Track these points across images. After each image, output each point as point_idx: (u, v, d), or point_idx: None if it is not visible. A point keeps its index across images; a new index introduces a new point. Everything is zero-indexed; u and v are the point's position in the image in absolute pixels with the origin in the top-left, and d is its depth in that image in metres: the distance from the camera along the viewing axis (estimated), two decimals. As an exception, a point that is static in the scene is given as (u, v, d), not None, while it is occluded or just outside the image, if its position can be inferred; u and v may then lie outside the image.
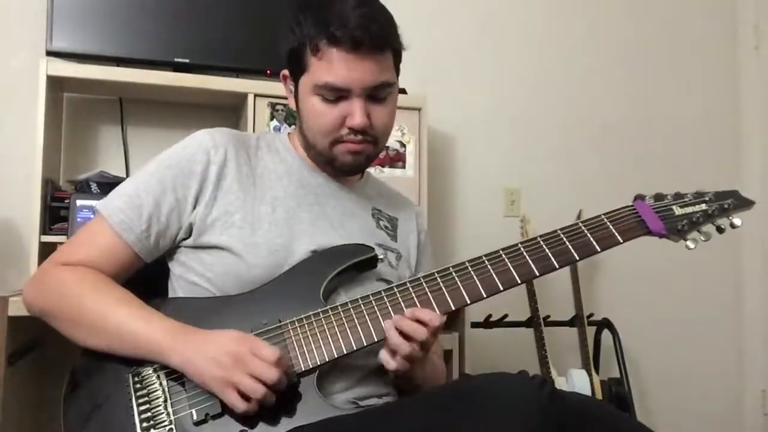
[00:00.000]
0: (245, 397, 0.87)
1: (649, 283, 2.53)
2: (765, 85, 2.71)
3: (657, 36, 2.67)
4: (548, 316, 2.15)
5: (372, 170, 1.90)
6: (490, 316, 2.12)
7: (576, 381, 2.02)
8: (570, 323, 2.23)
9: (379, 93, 1.04)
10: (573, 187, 2.47)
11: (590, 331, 2.21)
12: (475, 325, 2.04)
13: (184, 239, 1.04)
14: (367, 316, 0.97)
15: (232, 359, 0.88)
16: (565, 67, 2.52)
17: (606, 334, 2.26)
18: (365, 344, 0.95)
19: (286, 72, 1.11)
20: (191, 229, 1.03)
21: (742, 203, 1.06)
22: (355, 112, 1.01)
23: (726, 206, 1.04)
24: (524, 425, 0.73)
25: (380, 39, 1.00)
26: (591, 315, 2.25)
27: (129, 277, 1.03)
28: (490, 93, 2.41)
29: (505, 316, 2.12)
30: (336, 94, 1.01)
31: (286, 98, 1.16)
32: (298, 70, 1.05)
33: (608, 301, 2.46)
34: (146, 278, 1.05)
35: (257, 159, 1.09)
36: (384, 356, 0.95)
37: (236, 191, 1.04)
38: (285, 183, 1.09)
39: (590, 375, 2.07)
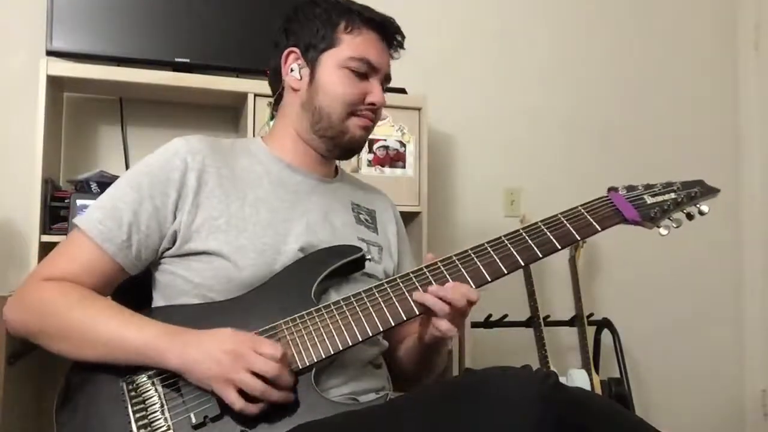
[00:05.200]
0: (245, 395, 0.87)
1: (649, 283, 2.53)
2: (765, 84, 2.71)
3: (657, 35, 2.66)
4: (548, 316, 2.15)
5: (372, 170, 1.92)
6: (490, 315, 2.13)
7: (576, 381, 2.02)
8: (570, 323, 2.23)
9: (386, 82, 1.16)
10: (573, 187, 2.46)
11: (590, 331, 2.22)
12: (475, 324, 2.04)
13: (168, 249, 1.03)
14: (360, 312, 0.98)
15: (232, 357, 0.87)
16: (565, 67, 2.52)
17: (606, 334, 2.26)
18: (360, 339, 0.96)
19: (293, 49, 1.13)
20: (175, 237, 1.02)
21: (708, 191, 1.15)
22: (377, 90, 1.12)
23: (693, 194, 1.13)
24: (527, 418, 0.73)
25: (402, 40, 1.17)
26: (591, 315, 2.25)
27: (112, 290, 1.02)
28: (490, 93, 2.41)
29: (505, 316, 2.12)
30: (365, 69, 1.10)
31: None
32: (321, 46, 1.11)
33: (608, 301, 2.46)
34: (130, 289, 1.04)
35: (234, 161, 1.09)
36: (438, 323, 0.97)
37: (218, 195, 1.03)
38: (265, 183, 1.09)
39: (590, 375, 2.07)
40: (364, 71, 1.10)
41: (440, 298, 0.97)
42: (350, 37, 1.10)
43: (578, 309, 2.19)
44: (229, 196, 1.04)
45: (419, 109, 1.98)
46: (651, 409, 2.47)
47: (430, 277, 1.01)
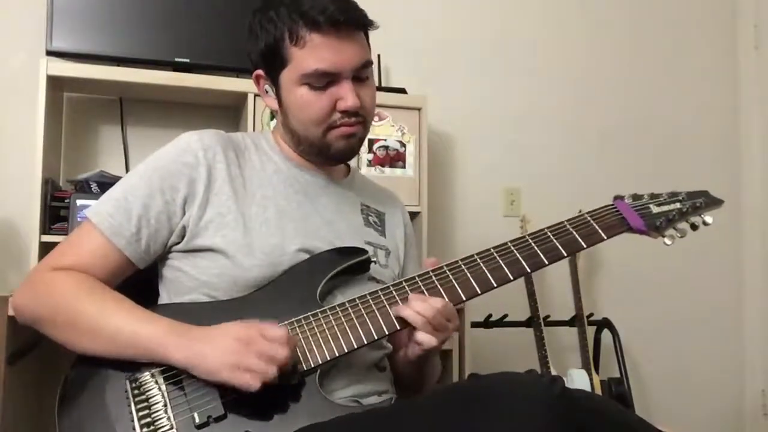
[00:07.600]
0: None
1: (649, 283, 2.53)
2: (764, 84, 2.71)
3: (657, 36, 2.67)
4: (548, 316, 2.15)
5: (372, 170, 1.92)
6: (490, 315, 2.13)
7: (576, 381, 2.02)
8: (570, 323, 2.23)
9: (363, 73, 1.06)
10: (573, 187, 2.47)
11: (590, 331, 2.21)
12: (475, 324, 2.04)
13: (176, 243, 1.03)
14: (365, 315, 0.98)
15: (242, 344, 0.87)
16: (565, 67, 2.52)
17: (606, 334, 2.26)
18: (365, 342, 0.96)
19: (259, 72, 1.10)
20: (183, 232, 1.02)
21: (712, 202, 1.13)
22: (347, 94, 1.03)
23: (698, 205, 1.12)
24: (535, 425, 0.73)
25: (358, 18, 1.04)
26: (591, 315, 2.25)
27: (120, 284, 1.02)
28: (490, 93, 2.41)
29: (505, 315, 2.12)
30: (325, 80, 1.02)
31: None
32: (277, 66, 1.05)
33: (608, 301, 2.46)
34: (137, 284, 1.04)
35: (245, 159, 1.09)
36: (416, 336, 0.97)
37: (227, 192, 1.03)
38: (274, 182, 1.09)
39: (590, 375, 2.07)
40: (324, 83, 1.02)
41: (418, 312, 0.96)
42: (297, 50, 1.02)
43: (578, 309, 2.19)
44: (237, 194, 1.04)
45: (419, 109, 1.98)
46: (651, 409, 2.47)
47: (420, 285, 1.00)
